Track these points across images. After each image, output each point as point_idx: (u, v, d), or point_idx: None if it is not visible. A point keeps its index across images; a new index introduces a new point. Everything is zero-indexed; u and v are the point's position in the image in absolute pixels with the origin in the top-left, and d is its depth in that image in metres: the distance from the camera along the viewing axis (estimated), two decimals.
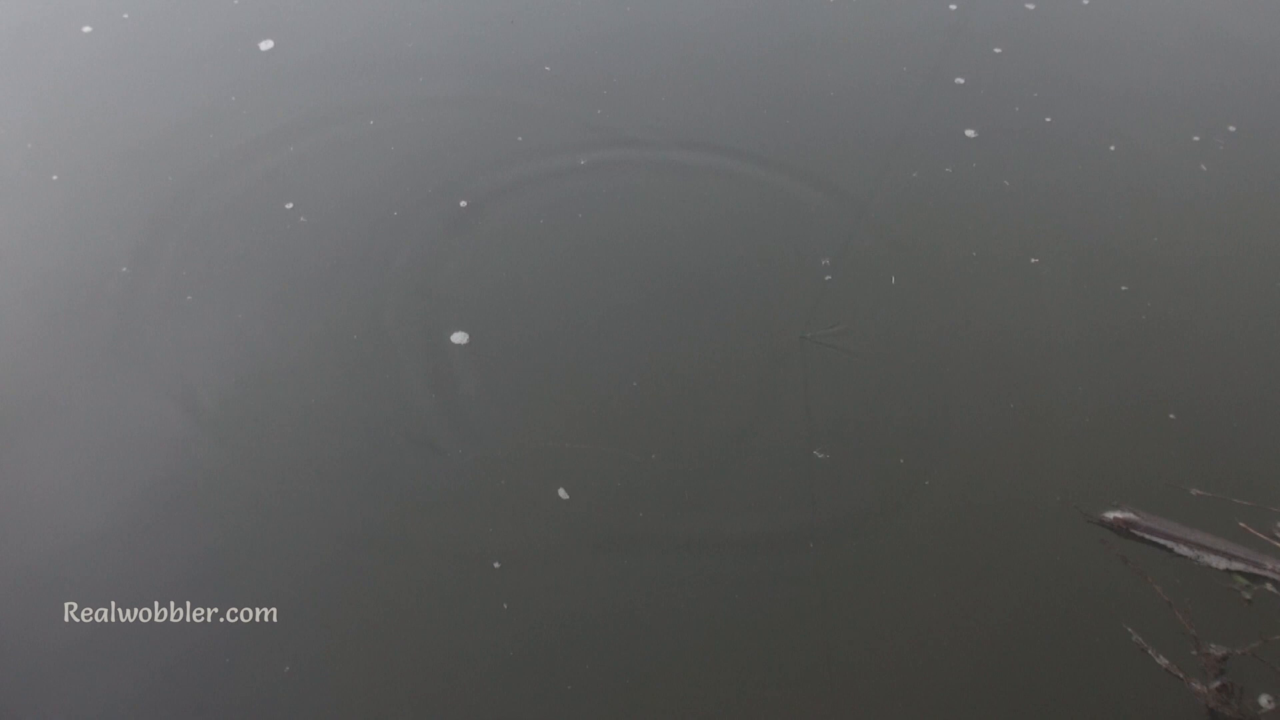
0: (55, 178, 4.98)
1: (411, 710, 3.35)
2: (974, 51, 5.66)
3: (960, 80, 5.48)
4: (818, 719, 3.34)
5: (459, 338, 4.30)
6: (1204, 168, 5.07)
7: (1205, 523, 3.71)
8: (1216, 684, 3.34)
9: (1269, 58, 5.77)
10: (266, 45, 5.68)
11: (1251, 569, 3.60)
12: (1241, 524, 3.70)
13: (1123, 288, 4.50)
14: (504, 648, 3.47)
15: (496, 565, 3.65)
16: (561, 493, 3.82)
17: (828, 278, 4.50)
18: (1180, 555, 3.66)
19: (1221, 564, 3.63)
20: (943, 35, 5.77)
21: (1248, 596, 3.56)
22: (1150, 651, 3.41)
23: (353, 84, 5.48)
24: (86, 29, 5.80)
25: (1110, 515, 3.75)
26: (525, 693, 3.37)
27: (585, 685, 3.38)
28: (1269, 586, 3.56)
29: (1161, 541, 3.69)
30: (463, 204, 4.84)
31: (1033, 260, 4.59)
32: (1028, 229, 4.74)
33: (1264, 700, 3.32)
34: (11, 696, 3.38)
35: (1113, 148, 5.16)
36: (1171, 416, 4.04)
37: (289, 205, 4.84)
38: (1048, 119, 5.31)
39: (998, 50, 5.67)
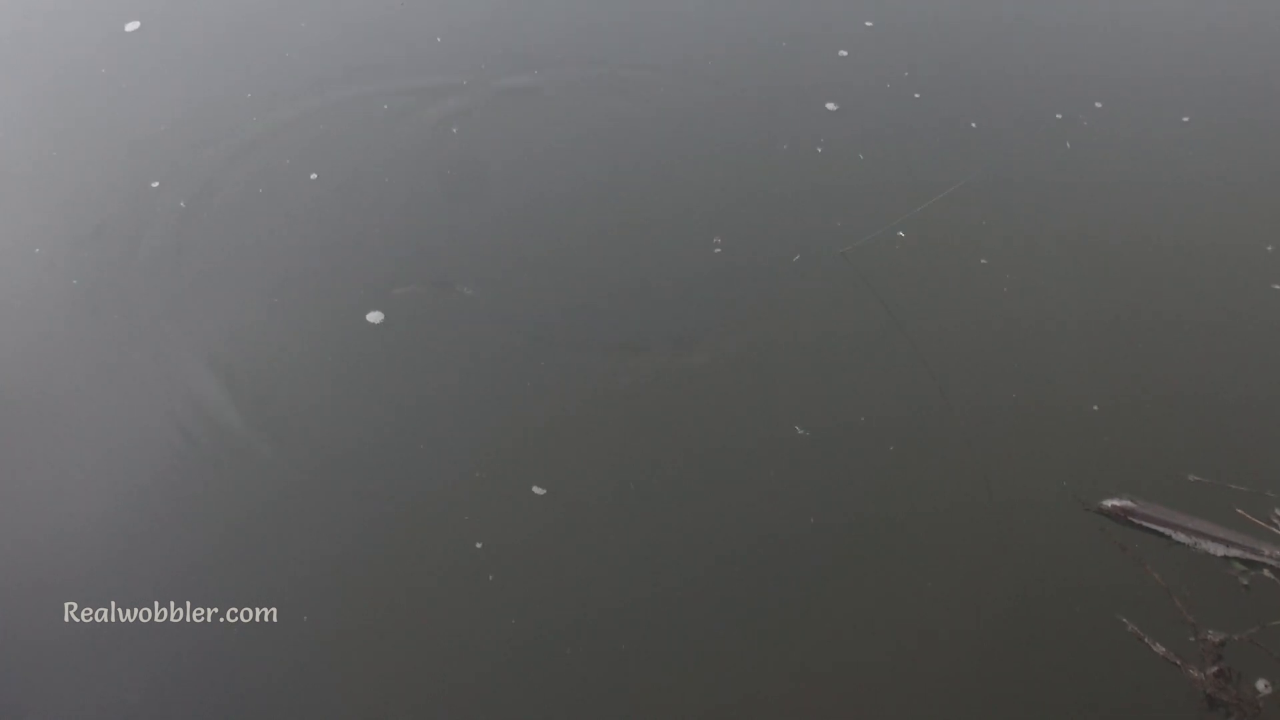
0: None
1: (410, 706, 3.36)
2: (851, 27, 5.74)
3: (844, 53, 5.55)
4: (814, 707, 3.36)
5: (374, 317, 4.33)
6: (1068, 145, 5.08)
7: (1203, 509, 3.71)
8: (1214, 670, 3.36)
9: (1137, 35, 5.78)
10: (132, 26, 5.77)
11: (1249, 555, 3.61)
12: (1239, 510, 3.71)
13: (982, 260, 4.53)
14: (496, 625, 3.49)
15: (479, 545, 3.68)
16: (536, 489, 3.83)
17: (717, 250, 4.59)
18: (1178, 542, 3.67)
19: (1219, 550, 3.63)
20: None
21: (1245, 582, 3.57)
22: (1147, 640, 3.43)
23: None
24: None
25: (1109, 503, 3.75)
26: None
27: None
28: (1266, 573, 3.57)
29: (1160, 529, 3.69)
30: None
31: (900, 234, 4.62)
32: (891, 207, 4.73)
33: (1261, 685, 3.33)
34: (11, 696, 3.38)
35: (974, 125, 5.18)
36: (1169, 405, 4.05)
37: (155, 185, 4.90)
38: (916, 95, 5.34)
39: (869, 24, 5.73)
